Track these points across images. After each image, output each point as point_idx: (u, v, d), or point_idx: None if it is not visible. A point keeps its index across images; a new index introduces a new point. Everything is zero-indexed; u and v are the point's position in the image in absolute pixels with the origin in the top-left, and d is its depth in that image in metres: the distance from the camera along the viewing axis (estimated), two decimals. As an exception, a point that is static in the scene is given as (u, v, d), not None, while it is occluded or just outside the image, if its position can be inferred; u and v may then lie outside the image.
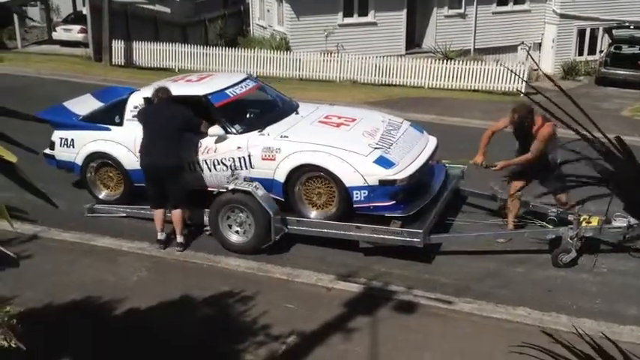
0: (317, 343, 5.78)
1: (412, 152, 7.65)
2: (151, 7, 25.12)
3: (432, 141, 8.23)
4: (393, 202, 7.20)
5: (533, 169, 7.19)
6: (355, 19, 23.76)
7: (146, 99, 8.09)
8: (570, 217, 7.18)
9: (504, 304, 6.43)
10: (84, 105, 9.35)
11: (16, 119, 1.83)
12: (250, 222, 7.35)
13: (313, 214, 7.48)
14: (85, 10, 24.11)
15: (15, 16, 26.90)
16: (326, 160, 7.22)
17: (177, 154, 7.49)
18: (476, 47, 24.86)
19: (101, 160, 8.47)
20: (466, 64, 19.59)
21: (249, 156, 7.58)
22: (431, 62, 19.66)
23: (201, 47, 21.79)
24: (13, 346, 3.28)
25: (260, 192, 7.26)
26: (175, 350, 5.74)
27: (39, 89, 15.37)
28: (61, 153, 8.72)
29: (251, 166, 7.59)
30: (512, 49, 24.92)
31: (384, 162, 7.21)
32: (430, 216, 7.37)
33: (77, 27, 26.17)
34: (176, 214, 7.56)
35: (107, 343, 5.78)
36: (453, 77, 19.16)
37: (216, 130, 7.65)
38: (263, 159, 7.51)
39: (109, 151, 8.34)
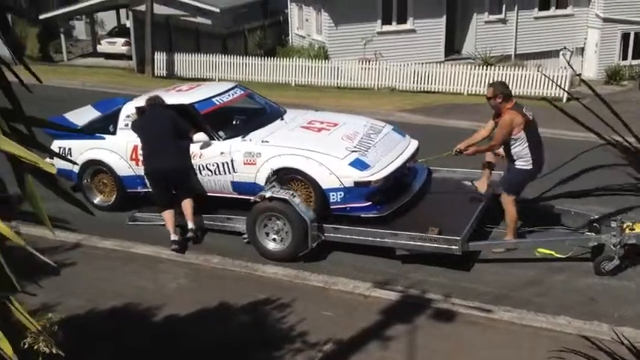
0: (354, 350, 5.77)
1: (389, 155, 7.87)
2: (192, 19, 25.49)
3: (413, 144, 8.42)
4: (369, 202, 7.44)
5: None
6: (394, 26, 23.71)
7: (138, 108, 8.51)
8: (613, 224, 7.03)
9: (544, 313, 6.32)
10: (83, 116, 9.76)
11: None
12: (287, 230, 7.39)
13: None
14: (129, 24, 24.62)
15: (61, 30, 27.65)
16: (303, 163, 7.51)
17: (186, 153, 7.96)
18: (517, 53, 24.56)
19: (96, 168, 8.89)
20: (506, 70, 19.37)
21: (231, 161, 7.89)
22: (470, 68, 19.50)
23: (241, 57, 22.04)
24: (54, 352, 3.35)
25: (297, 200, 7.30)
26: (212, 357, 5.79)
27: (81, 100, 15.67)
28: (59, 162, 8.93)
29: (234, 171, 7.90)
30: (555, 54, 24.55)
31: (359, 164, 7.45)
32: (468, 223, 7.30)
33: (121, 40, 26.76)
34: (186, 204, 7.94)
35: (145, 350, 5.86)
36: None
37: (200, 136, 7.99)
38: (245, 163, 7.83)
39: (103, 158, 8.77)
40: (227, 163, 7.93)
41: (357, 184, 7.33)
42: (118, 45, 26.95)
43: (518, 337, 5.98)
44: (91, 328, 6.23)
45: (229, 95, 8.86)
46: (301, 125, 8.43)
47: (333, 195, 7.42)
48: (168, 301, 6.65)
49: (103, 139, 8.74)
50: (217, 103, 8.56)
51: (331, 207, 7.48)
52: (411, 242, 7.22)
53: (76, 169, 8.89)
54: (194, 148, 8.05)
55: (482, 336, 6.01)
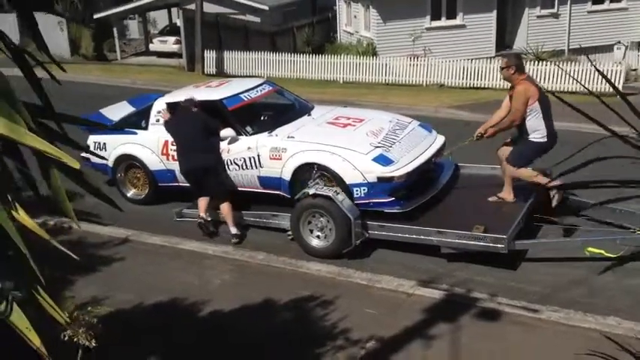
0: (396, 349, 5.72)
1: (414, 151, 7.89)
2: (241, 17, 25.71)
3: (439, 140, 8.40)
4: (392, 198, 7.46)
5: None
6: (443, 22, 23.45)
7: (168, 104, 8.73)
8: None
9: (593, 313, 6.15)
10: (118, 111, 10.06)
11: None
12: (331, 227, 7.38)
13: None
14: (179, 22, 24.98)
15: (114, 29, 28.23)
16: (327, 158, 7.59)
17: (216, 152, 8.17)
18: (570, 47, 24.00)
19: (129, 162, 9.13)
20: (558, 65, 18.93)
21: (258, 156, 8.04)
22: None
23: (289, 55, 22.11)
24: (94, 344, 3.43)
25: (341, 197, 7.29)
26: (255, 353, 5.82)
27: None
28: (96, 153, 9.25)
29: (260, 166, 8.06)
30: (609, 48, 23.87)
31: (383, 160, 7.49)
32: (515, 221, 7.16)
33: (172, 38, 27.14)
34: (224, 208, 8.07)
35: (191, 345, 5.93)
36: (544, 79, 18.55)
37: (228, 132, 8.16)
38: (271, 158, 7.96)
39: (136, 153, 9.00)
40: (254, 158, 8.08)
41: (381, 179, 7.36)
42: (170, 43, 27.34)
43: (566, 337, 5.82)
44: (138, 322, 6.34)
45: (257, 91, 9.03)
46: (327, 121, 8.52)
47: (356, 190, 7.45)
48: (213, 296, 6.72)
49: (136, 134, 8.99)
50: (245, 99, 8.72)
51: (355, 202, 7.50)
52: (457, 240, 7.11)
53: (110, 163, 9.17)
54: (222, 144, 8.24)
55: (528, 336, 5.88)
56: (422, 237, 7.25)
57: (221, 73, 22.28)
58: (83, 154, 9.16)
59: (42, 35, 2.12)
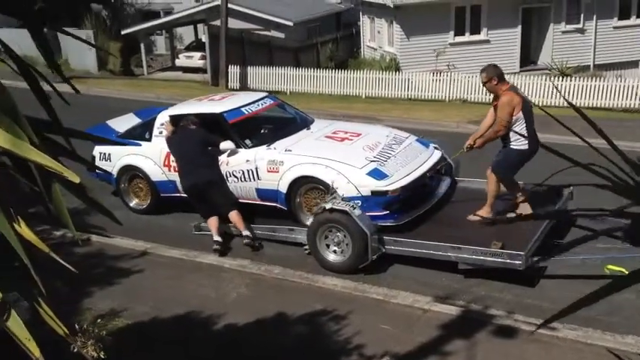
0: (410, 365, 5.71)
1: (409, 166, 8.02)
2: (265, 32, 25.94)
3: (436, 155, 8.52)
4: (386, 211, 7.58)
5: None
6: (467, 37, 23.43)
7: (171, 117, 8.95)
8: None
9: (612, 332, 6.07)
10: (124, 123, 10.28)
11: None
12: (348, 241, 7.39)
13: (311, 221, 7.85)
14: (205, 38, 25.29)
15: (142, 45, 28.64)
16: (322, 171, 7.76)
17: (217, 165, 8.36)
18: (595, 63, 23.81)
19: (132, 173, 9.35)
20: (583, 81, 18.80)
21: (256, 168, 8.25)
22: (545, 79, 19.01)
23: (312, 70, 22.24)
24: (102, 356, 3.47)
25: (357, 212, 7.30)
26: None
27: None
28: (100, 166, 9.42)
29: (258, 178, 8.25)
30: (635, 64, 23.66)
31: (377, 174, 7.64)
32: (533, 238, 7.11)
33: (198, 54, 27.45)
34: (233, 216, 8.24)
35: (206, 357, 5.97)
36: (569, 95, 18.43)
37: (227, 144, 8.35)
38: (268, 171, 8.16)
39: (139, 164, 9.20)
40: (252, 171, 8.28)
41: (374, 193, 7.50)
42: (195, 59, 27.66)
43: (584, 356, 5.76)
44: (155, 334, 6.40)
45: (258, 105, 9.25)
46: (325, 135, 8.70)
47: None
48: (229, 309, 6.76)
49: (139, 145, 9.17)
50: (246, 112, 8.95)
51: None
52: (474, 256, 7.07)
53: (114, 173, 9.39)
54: (222, 156, 8.43)
55: (546, 354, 5.82)
56: (439, 253, 7.22)
57: (244, 88, 22.48)
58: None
59: (52, 50, 2.17)
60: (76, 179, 1.68)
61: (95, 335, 3.76)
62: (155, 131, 9.21)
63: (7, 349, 1.93)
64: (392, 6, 22.52)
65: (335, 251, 7.56)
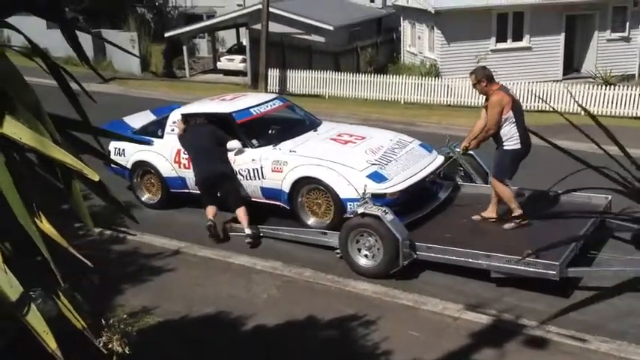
0: (438, 373, 5.67)
1: (410, 169, 8.23)
2: (306, 36, 26.04)
3: (438, 160, 8.71)
4: None
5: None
6: (509, 44, 23.15)
7: (183, 115, 9.23)
8: None
9: (646, 346, 5.94)
10: (140, 119, 10.58)
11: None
12: (379, 246, 7.37)
13: (311, 220, 8.29)
14: (246, 42, 25.51)
15: (184, 48, 29.04)
16: (324, 173, 8.02)
17: (228, 161, 8.63)
18: (641, 72, 23.32)
19: (145, 168, 9.59)
20: (628, 90, 18.40)
21: (261, 167, 8.51)
22: (588, 88, 18.67)
23: (351, 74, 22.22)
24: (127, 352, 3.53)
25: (389, 217, 7.28)
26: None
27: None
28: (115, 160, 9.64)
29: (263, 177, 8.52)
30: (682, 73, 23.11)
31: (376, 177, 7.87)
32: (568, 247, 6.99)
33: (239, 57, 27.69)
34: (240, 212, 8.47)
35: (234, 357, 6.03)
36: (613, 104, 18.07)
37: (234, 143, 8.63)
38: (272, 171, 8.43)
39: (151, 160, 9.45)
40: (257, 170, 8.55)
41: (373, 195, 7.64)
42: (236, 62, 27.90)
43: (616, 370, 5.65)
44: (185, 333, 6.48)
45: (267, 106, 9.52)
46: (330, 137, 8.92)
47: (350, 205, 7.81)
48: (258, 310, 6.81)
49: (152, 141, 9.35)
50: (254, 113, 9.22)
51: (348, 216, 7.81)
52: (507, 265, 6.99)
53: (128, 167, 9.67)
54: (229, 154, 8.71)
55: (577, 367, 5.73)
56: (470, 260, 7.15)
57: (283, 92, 22.58)
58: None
59: (84, 51, 2.22)
60: (95, 177, 1.73)
61: (121, 331, 3.82)
62: (167, 129, 9.48)
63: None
64: (433, 11, 22.40)
65: (366, 256, 7.55)
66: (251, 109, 9.24)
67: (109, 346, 3.48)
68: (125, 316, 4.83)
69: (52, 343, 1.76)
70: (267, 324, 6.54)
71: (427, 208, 8.16)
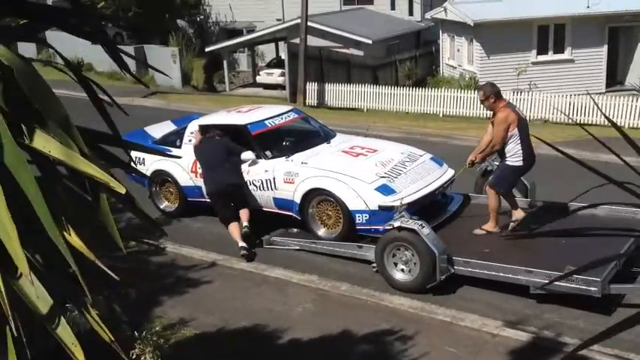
0: (475, 390, 5.56)
1: (419, 183, 8.38)
2: (344, 50, 26.11)
3: (448, 174, 8.85)
4: None
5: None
6: (550, 56, 22.89)
7: (200, 126, 9.41)
8: None
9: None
10: (160, 130, 10.77)
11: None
12: (416, 261, 7.29)
13: (322, 231, 8.45)
14: (284, 56, 25.70)
15: (224, 62, 29.39)
16: (334, 185, 8.20)
17: (240, 172, 8.85)
18: (687, 84, 22.73)
19: (163, 177, 9.79)
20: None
21: (273, 178, 8.72)
22: (632, 100, 18.27)
23: (389, 88, 22.18)
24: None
25: (426, 231, 7.20)
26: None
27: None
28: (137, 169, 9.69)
29: (275, 188, 8.73)
30: None
31: (385, 189, 8.04)
32: (611, 263, 6.81)
33: (278, 71, 27.91)
34: (242, 211, 8.73)
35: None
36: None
37: (247, 155, 8.87)
38: (285, 182, 8.63)
39: (169, 169, 9.64)
40: (270, 180, 8.76)
41: (381, 207, 7.84)
42: (275, 76, 28.13)
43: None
44: (221, 345, 6.50)
45: (282, 118, 9.70)
46: (342, 150, 9.09)
47: (358, 216, 8.02)
48: (294, 324, 6.79)
49: (171, 151, 9.50)
50: (269, 125, 9.41)
51: (357, 227, 8.09)
52: (547, 281, 6.84)
53: (148, 174, 9.84)
54: (243, 165, 8.91)
55: (619, 387, 5.56)
56: (510, 276, 7.02)
57: (321, 105, 22.66)
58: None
59: (126, 63, 2.24)
60: (122, 190, 1.74)
61: (154, 343, 3.84)
62: (185, 139, 9.70)
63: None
64: (472, 24, 22.27)
65: (403, 270, 7.47)
66: (266, 121, 9.44)
67: (142, 358, 3.49)
68: (158, 328, 4.85)
69: (80, 356, 1.77)
70: (302, 337, 6.52)
71: (436, 221, 8.18)
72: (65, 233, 1.76)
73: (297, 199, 8.48)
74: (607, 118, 2.94)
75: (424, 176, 8.56)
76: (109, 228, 1.81)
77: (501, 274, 7.06)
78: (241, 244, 8.49)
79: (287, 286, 7.75)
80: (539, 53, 22.78)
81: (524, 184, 8.96)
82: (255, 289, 7.68)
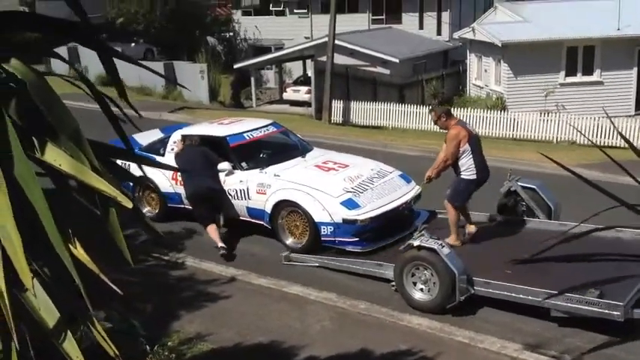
0: (492, 414, 5.49)
1: (384, 198, 8.81)
2: (371, 69, 26.19)
3: (414, 191, 9.22)
4: (356, 238, 8.46)
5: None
6: (579, 78, 22.74)
7: (183, 136, 9.89)
8: None
9: None
10: (148, 137, 10.96)
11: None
12: (435, 280, 7.24)
13: (289, 240, 8.90)
14: (311, 73, 25.86)
15: (252, 78, 29.65)
16: (301, 197, 8.67)
17: (218, 179, 9.31)
18: None
19: (146, 183, 10.05)
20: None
21: (247, 189, 9.20)
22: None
23: (414, 106, 22.18)
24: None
25: (446, 250, 7.15)
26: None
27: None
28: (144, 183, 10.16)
29: (248, 198, 9.21)
30: None
31: (350, 204, 8.50)
32: (635, 287, 6.70)
33: (304, 88, 28.09)
34: (210, 229, 9.07)
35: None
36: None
37: (225, 165, 9.33)
38: (257, 192, 9.12)
39: (152, 176, 9.88)
40: (244, 190, 9.24)
41: (345, 221, 8.35)
42: (302, 93, 28.30)
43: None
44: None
45: (261, 131, 10.21)
46: (315, 164, 9.57)
47: (324, 228, 8.48)
48: (311, 341, 6.75)
49: (154, 159, 9.67)
50: (247, 137, 9.92)
51: (322, 239, 8.54)
52: (568, 304, 6.73)
53: (131, 182, 10.07)
54: (221, 175, 9.36)
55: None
56: (530, 297, 6.93)
57: (347, 123, 22.72)
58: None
59: (121, 81, 2.19)
60: (129, 204, 1.76)
61: (165, 358, 3.85)
62: (168, 148, 10.13)
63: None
64: (500, 45, 22.22)
65: (422, 289, 7.42)
66: (244, 134, 9.93)
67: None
68: (175, 342, 4.86)
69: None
70: (319, 356, 6.48)
71: (398, 236, 8.57)
72: (71, 246, 1.79)
73: (268, 210, 8.94)
74: (624, 139, 2.93)
75: (390, 192, 9.00)
76: (118, 242, 1.84)
77: (522, 295, 6.97)
78: (220, 244, 8.91)
79: (305, 303, 7.72)
80: (567, 75, 22.65)
81: (548, 205, 8.87)
82: (274, 305, 7.67)
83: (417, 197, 9.26)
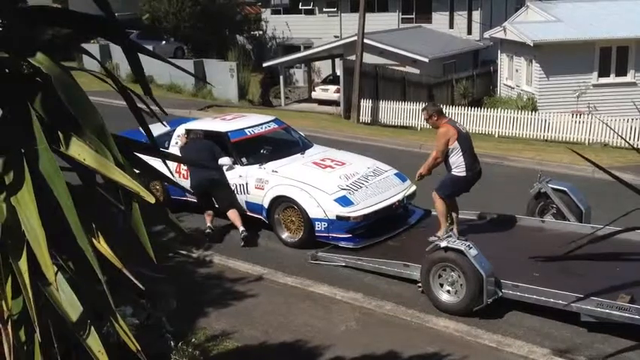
0: (519, 419, 5.40)
1: (378, 196, 9.06)
2: (400, 68, 26.06)
3: (410, 189, 9.30)
4: (349, 235, 8.73)
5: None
6: (612, 79, 22.36)
7: (186, 130, 10.13)
8: None
9: None
10: (155, 130, 10.76)
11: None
12: (462, 282, 7.15)
13: (285, 235, 9.19)
14: (340, 72, 25.81)
15: (281, 77, 29.71)
16: (297, 194, 8.94)
17: (221, 171, 9.50)
18: None
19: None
20: None
21: (246, 184, 9.48)
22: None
23: (443, 107, 21.97)
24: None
25: (473, 252, 7.06)
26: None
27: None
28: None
29: (247, 192, 9.49)
30: None
31: (344, 201, 8.76)
32: (668, 294, 6.55)
33: (333, 87, 28.05)
34: (232, 213, 9.36)
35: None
36: None
37: (225, 160, 9.55)
38: (255, 187, 9.40)
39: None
40: (243, 185, 9.52)
41: (339, 217, 8.62)
42: (330, 92, 28.25)
43: None
44: (262, 359, 6.49)
45: (262, 128, 10.41)
46: (313, 161, 9.80)
47: (318, 224, 8.78)
48: (336, 342, 6.72)
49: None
50: (248, 133, 10.14)
51: (316, 234, 8.84)
52: (598, 309, 6.60)
53: None
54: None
55: None
56: (559, 302, 6.81)
57: (375, 122, 22.64)
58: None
59: (145, 77, 2.17)
60: (151, 199, 1.75)
61: (189, 354, 3.85)
62: (172, 141, 10.28)
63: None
64: (532, 44, 21.94)
65: (449, 291, 7.33)
66: (246, 130, 10.16)
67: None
68: (201, 339, 4.87)
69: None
70: (344, 356, 6.45)
71: (391, 233, 8.88)
72: (95, 241, 1.78)
73: (266, 204, 9.24)
74: (628, 143, 2.81)
75: (384, 190, 9.24)
76: (141, 237, 1.83)
77: (551, 299, 6.85)
78: (208, 226, 9.35)
79: (331, 302, 7.69)
80: (600, 75, 22.29)
81: (579, 207, 8.73)
82: (300, 305, 7.65)
83: (412, 195, 9.44)
